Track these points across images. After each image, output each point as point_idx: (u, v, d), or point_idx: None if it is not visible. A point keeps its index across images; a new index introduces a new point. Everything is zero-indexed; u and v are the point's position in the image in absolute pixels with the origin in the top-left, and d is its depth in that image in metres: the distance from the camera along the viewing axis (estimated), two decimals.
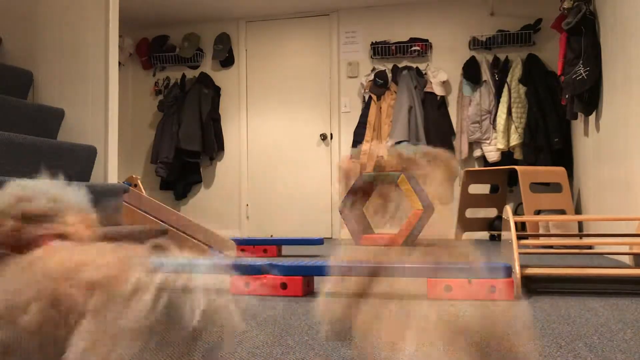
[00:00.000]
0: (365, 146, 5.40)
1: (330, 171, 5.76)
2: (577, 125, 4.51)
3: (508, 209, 2.27)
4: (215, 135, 5.92)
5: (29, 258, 0.85)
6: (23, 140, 2.65)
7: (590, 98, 3.59)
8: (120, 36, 5.34)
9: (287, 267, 2.00)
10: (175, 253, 0.85)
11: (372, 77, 5.55)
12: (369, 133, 5.43)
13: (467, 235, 4.95)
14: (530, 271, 2.03)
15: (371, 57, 5.65)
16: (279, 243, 3.72)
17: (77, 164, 3.01)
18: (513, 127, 5.01)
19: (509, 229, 2.17)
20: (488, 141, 5.17)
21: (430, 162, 3.53)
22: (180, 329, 0.76)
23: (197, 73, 6.10)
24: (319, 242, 3.74)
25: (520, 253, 2.05)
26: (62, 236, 0.93)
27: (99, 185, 2.84)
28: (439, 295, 1.89)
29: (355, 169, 3.74)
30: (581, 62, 3.53)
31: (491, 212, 4.94)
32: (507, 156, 5.12)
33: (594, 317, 1.60)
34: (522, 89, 5.06)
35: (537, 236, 3.48)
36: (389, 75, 5.50)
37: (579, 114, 4.08)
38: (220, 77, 6.09)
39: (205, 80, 6.02)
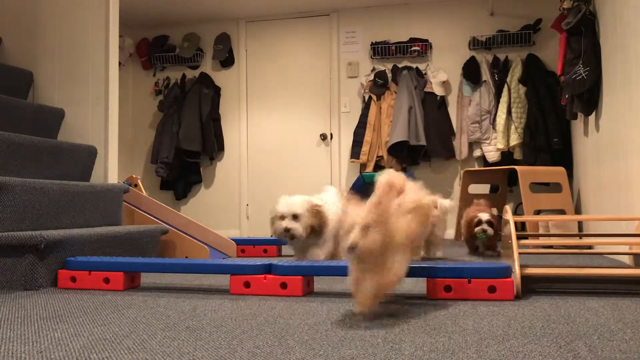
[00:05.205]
0: (365, 147, 5.40)
1: (330, 171, 5.76)
2: (577, 125, 4.51)
3: (508, 209, 2.27)
4: (215, 135, 5.92)
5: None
6: (23, 140, 2.65)
7: (590, 98, 3.59)
8: (120, 36, 5.34)
9: (287, 267, 2.00)
10: None
11: (372, 77, 5.55)
12: (368, 133, 5.43)
13: None
14: (530, 271, 2.03)
15: (371, 57, 5.65)
16: (279, 243, 3.72)
17: (77, 164, 3.01)
18: (513, 127, 5.01)
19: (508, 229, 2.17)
20: (488, 141, 5.17)
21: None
22: None
23: (197, 73, 6.10)
24: None
25: (520, 253, 2.05)
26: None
27: (99, 186, 2.84)
28: (439, 295, 1.89)
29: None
30: (581, 62, 3.53)
31: None
32: (507, 156, 5.12)
33: (594, 317, 1.60)
34: (522, 89, 5.06)
35: (537, 236, 3.48)
36: (389, 75, 5.50)
37: (579, 114, 4.08)
38: (220, 77, 6.09)
39: (205, 80, 6.02)
